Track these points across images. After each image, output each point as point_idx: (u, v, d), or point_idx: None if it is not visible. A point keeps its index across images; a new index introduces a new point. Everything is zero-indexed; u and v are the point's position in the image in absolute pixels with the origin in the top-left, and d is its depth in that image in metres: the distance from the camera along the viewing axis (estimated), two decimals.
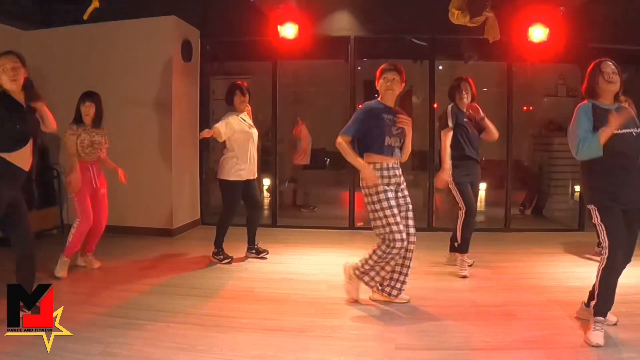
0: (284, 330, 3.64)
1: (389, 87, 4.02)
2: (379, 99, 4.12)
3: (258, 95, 6.65)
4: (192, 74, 7.29)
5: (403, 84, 4.10)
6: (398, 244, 3.86)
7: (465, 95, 5.13)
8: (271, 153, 7.59)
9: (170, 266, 5.29)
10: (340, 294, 4.27)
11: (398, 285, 4.13)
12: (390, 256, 3.92)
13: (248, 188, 5.46)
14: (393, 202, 3.93)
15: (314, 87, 10.47)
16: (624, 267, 3.49)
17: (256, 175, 5.55)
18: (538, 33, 6.69)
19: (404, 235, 3.91)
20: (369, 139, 4.00)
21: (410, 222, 4.08)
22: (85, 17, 4.32)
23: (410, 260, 4.10)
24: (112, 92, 5.98)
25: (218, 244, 5.44)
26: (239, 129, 5.29)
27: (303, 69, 10.02)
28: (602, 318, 3.40)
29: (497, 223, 7.48)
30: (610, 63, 3.45)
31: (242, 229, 5.61)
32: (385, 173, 3.97)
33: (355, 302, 4.12)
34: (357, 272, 4.08)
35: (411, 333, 3.55)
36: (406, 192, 4.13)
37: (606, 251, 3.39)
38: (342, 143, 4.01)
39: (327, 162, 10.91)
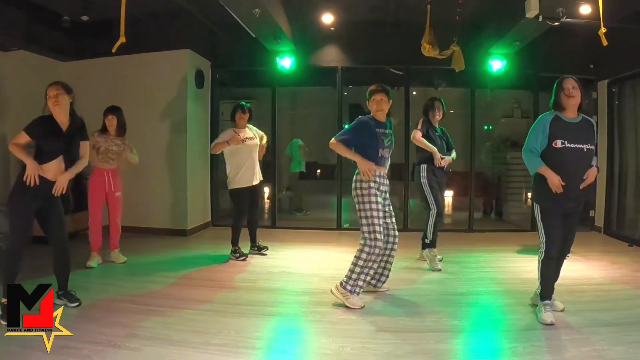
0: (282, 315, 3.66)
1: (379, 108, 3.87)
2: (371, 114, 3.94)
3: (259, 116, 6.68)
4: (203, 98, 7.30)
5: (391, 101, 3.94)
6: (379, 244, 3.71)
7: (438, 113, 5.12)
8: (271, 165, 7.59)
9: (185, 261, 5.27)
10: (329, 285, 4.27)
11: (383, 278, 4.13)
12: (374, 257, 3.73)
13: (251, 193, 5.37)
14: (380, 207, 3.78)
15: (306, 109, 10.48)
16: (563, 259, 3.58)
17: (256, 181, 5.37)
18: (497, 64, 6.83)
19: (384, 237, 3.82)
20: (366, 150, 3.82)
21: (395, 226, 4.02)
22: (113, 50, 4.33)
23: (394, 257, 4.09)
24: (136, 113, 6.00)
25: (234, 242, 5.36)
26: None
27: (298, 94, 10.08)
28: (548, 301, 3.47)
29: (462, 225, 7.51)
30: (572, 79, 3.42)
31: (244, 230, 5.52)
32: (377, 179, 3.83)
33: (363, 307, 3.73)
34: (348, 286, 3.76)
35: (390, 317, 3.57)
36: (389, 202, 4.00)
37: (543, 245, 3.47)
38: (335, 143, 3.84)
39: (318, 173, 10.91)
